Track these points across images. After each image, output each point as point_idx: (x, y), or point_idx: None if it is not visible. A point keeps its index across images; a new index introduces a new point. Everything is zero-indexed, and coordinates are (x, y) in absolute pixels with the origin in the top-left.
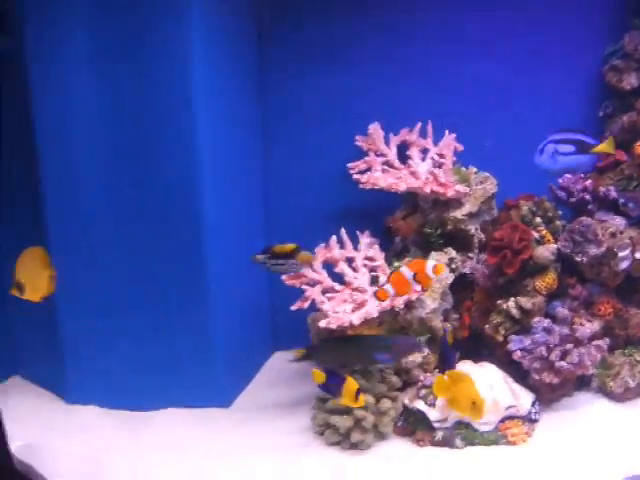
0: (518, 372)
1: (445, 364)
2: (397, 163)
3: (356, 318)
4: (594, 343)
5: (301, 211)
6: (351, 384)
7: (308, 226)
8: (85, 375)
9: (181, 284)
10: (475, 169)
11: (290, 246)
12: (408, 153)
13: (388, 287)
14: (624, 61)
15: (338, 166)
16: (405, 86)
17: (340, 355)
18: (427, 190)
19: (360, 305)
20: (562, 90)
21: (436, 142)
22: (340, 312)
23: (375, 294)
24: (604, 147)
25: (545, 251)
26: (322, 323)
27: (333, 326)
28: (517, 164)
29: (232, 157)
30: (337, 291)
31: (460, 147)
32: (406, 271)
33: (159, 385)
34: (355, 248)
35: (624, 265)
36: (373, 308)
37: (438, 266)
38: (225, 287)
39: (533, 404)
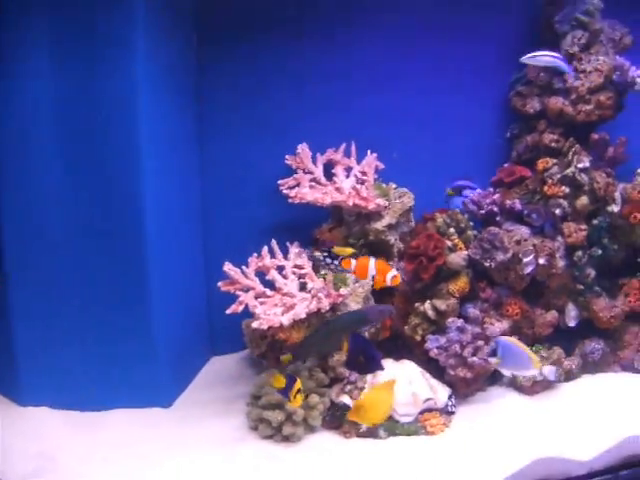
0: (436, 370)
1: (371, 364)
2: (323, 180)
3: (286, 319)
4: None
5: (237, 223)
6: (297, 384)
7: (243, 236)
8: (37, 377)
9: (125, 288)
10: (394, 185)
11: (349, 250)
12: (333, 171)
13: (353, 262)
14: (527, 87)
15: (271, 182)
16: (332, 112)
17: (324, 343)
18: (350, 203)
19: (289, 308)
20: (474, 115)
21: (359, 161)
22: (271, 314)
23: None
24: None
25: (457, 257)
26: (254, 324)
27: (264, 326)
28: (434, 182)
29: (172, 171)
30: (269, 296)
31: (381, 165)
32: (372, 265)
33: (107, 386)
34: (285, 257)
35: (528, 269)
36: (301, 310)
37: (397, 277)
38: (166, 293)
39: (450, 397)
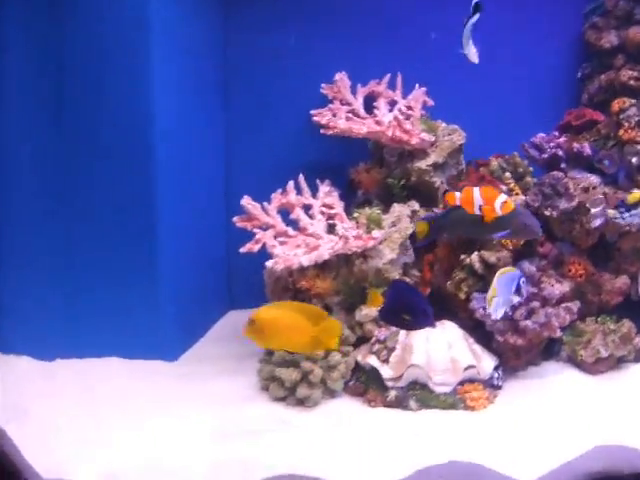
0: (483, 337)
1: (417, 319)
2: (362, 113)
3: (306, 260)
4: (563, 305)
5: (263, 162)
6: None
7: (270, 178)
8: (18, 324)
9: (126, 222)
10: (444, 124)
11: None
12: (375, 104)
13: (457, 194)
14: (604, 18)
15: (304, 117)
16: (374, 45)
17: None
18: (389, 134)
19: (312, 249)
20: (540, 51)
21: (406, 95)
22: (291, 255)
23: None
24: None
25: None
26: (269, 263)
27: (280, 267)
28: (491, 127)
29: (191, 105)
30: (291, 236)
31: (430, 101)
32: (477, 194)
33: (101, 333)
34: (314, 196)
35: (597, 223)
36: (325, 251)
37: (508, 202)
38: (176, 234)
39: (496, 369)
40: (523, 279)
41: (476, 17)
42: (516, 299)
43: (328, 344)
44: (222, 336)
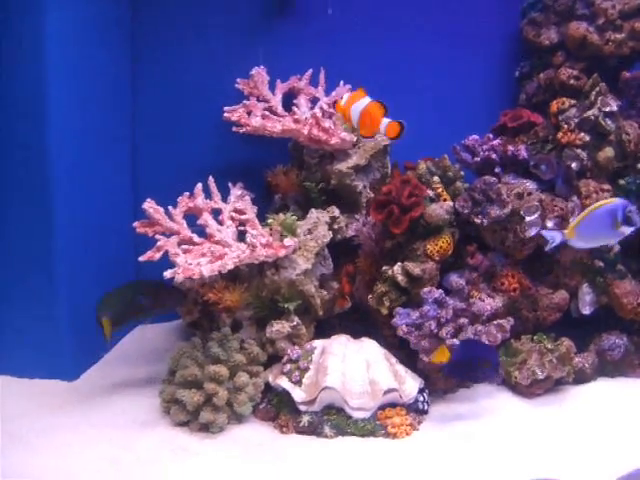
0: (410, 357)
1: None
2: (280, 110)
3: (208, 270)
4: (495, 322)
5: (175, 163)
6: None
7: (181, 179)
8: None
9: (22, 228)
10: None
11: None
12: (295, 101)
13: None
14: (543, 14)
15: (219, 115)
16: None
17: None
18: (305, 132)
19: (218, 258)
20: (476, 49)
21: (329, 93)
22: (193, 264)
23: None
24: None
25: (439, 209)
26: (167, 273)
27: (180, 278)
28: (424, 129)
29: (95, 99)
30: (196, 243)
31: None
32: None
33: None
34: (225, 200)
35: (532, 232)
36: (230, 260)
37: (394, 125)
38: (77, 241)
39: (421, 392)
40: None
41: None
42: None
43: None
44: (129, 353)
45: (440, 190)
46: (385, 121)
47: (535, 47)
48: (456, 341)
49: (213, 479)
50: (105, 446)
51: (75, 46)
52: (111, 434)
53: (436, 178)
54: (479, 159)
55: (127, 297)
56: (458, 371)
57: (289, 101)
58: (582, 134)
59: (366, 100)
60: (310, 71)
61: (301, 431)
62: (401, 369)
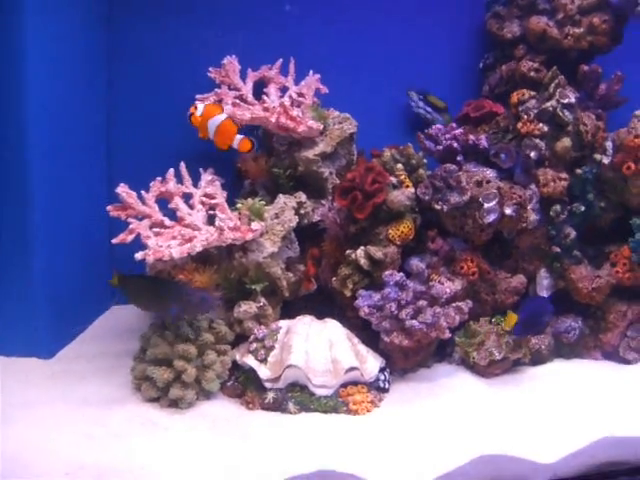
0: (373, 338)
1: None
2: (251, 99)
3: (177, 252)
4: (454, 304)
5: (148, 149)
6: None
7: (154, 165)
8: None
9: (2, 222)
10: (337, 112)
11: (443, 103)
12: (265, 90)
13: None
14: (506, 8)
15: (191, 102)
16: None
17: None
18: (274, 120)
19: (187, 241)
20: (441, 42)
21: (298, 82)
22: (164, 246)
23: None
24: None
25: (400, 195)
26: (138, 254)
27: (150, 259)
28: (389, 119)
29: (70, 85)
30: (167, 227)
31: (324, 89)
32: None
33: None
34: (196, 185)
35: (490, 218)
36: (198, 242)
37: (246, 142)
38: (55, 227)
39: (382, 370)
40: None
41: None
42: None
43: None
44: (103, 332)
45: (403, 177)
46: (238, 137)
47: (498, 40)
48: (415, 322)
49: (182, 452)
50: (79, 421)
51: (51, 34)
52: (85, 409)
53: (399, 165)
54: (441, 147)
55: (158, 293)
56: (525, 329)
57: (260, 90)
58: (541, 124)
59: (222, 116)
60: (280, 61)
61: (266, 407)
62: (363, 349)
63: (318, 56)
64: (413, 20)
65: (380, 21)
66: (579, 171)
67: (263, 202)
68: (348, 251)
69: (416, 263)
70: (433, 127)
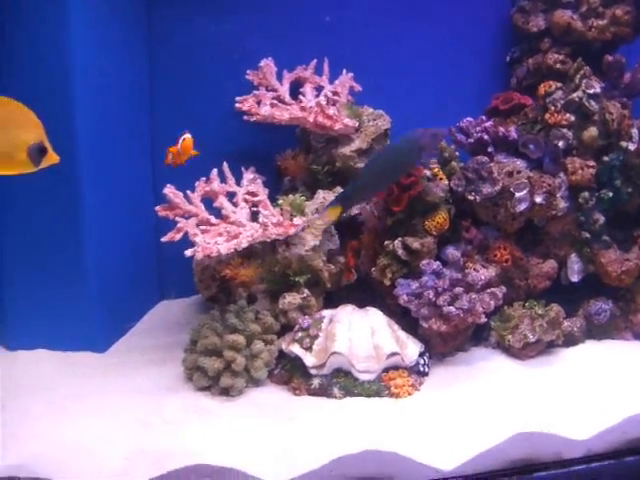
0: (412, 324)
1: None
2: (288, 99)
3: (224, 248)
4: (488, 290)
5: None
6: None
7: (198, 164)
8: None
9: (54, 212)
10: (371, 109)
11: None
12: (301, 90)
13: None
14: (531, 2)
15: (232, 104)
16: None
17: (374, 183)
18: (311, 120)
19: (233, 237)
20: (469, 36)
21: (333, 81)
22: (211, 243)
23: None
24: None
25: (435, 187)
26: (188, 252)
27: (199, 255)
28: (422, 114)
29: (116, 92)
30: (213, 224)
31: (358, 87)
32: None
33: (28, 325)
34: (239, 184)
35: (522, 207)
36: (244, 238)
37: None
38: (106, 228)
39: (422, 355)
40: None
41: None
42: None
43: None
44: (153, 326)
45: (436, 170)
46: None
47: (524, 34)
48: (452, 309)
49: (235, 437)
50: (135, 410)
51: (96, 37)
52: (140, 398)
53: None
54: (473, 140)
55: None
56: None
57: (296, 90)
58: (568, 115)
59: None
60: (315, 61)
61: (312, 393)
62: (403, 335)
63: (351, 55)
64: (442, 18)
65: (409, 19)
66: (606, 158)
67: (303, 198)
68: (386, 242)
69: (452, 252)
70: (464, 120)
